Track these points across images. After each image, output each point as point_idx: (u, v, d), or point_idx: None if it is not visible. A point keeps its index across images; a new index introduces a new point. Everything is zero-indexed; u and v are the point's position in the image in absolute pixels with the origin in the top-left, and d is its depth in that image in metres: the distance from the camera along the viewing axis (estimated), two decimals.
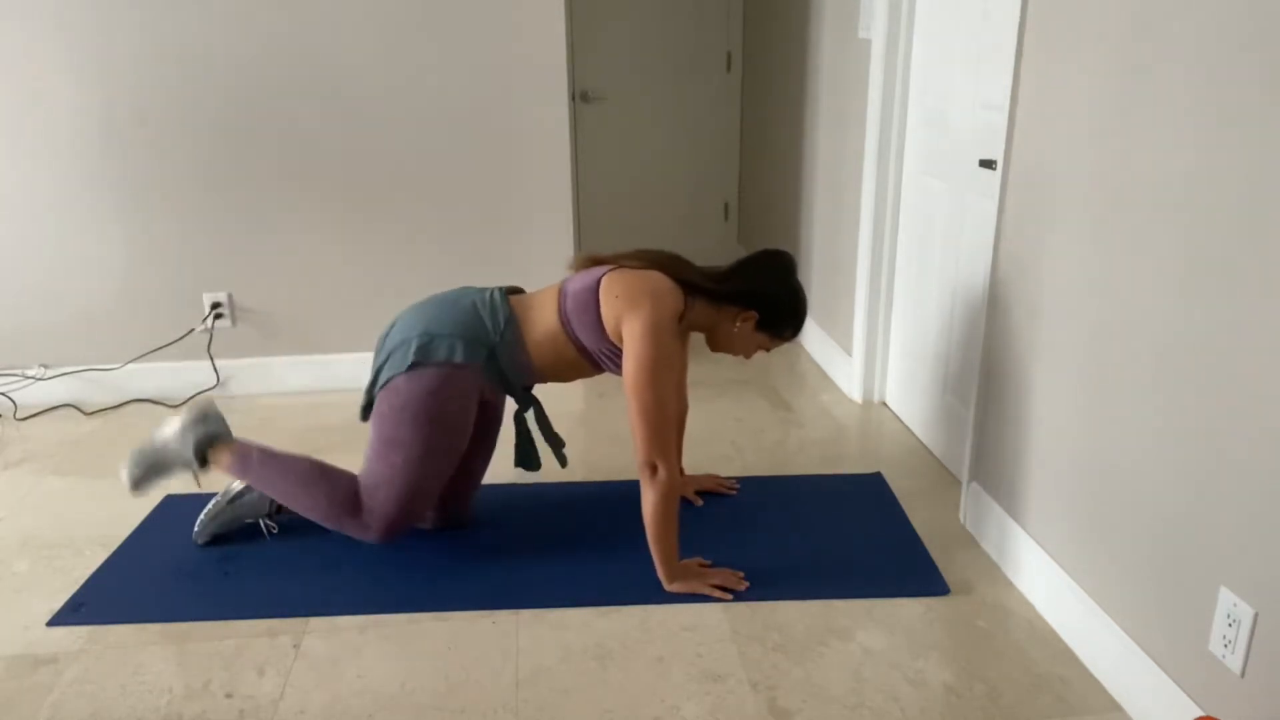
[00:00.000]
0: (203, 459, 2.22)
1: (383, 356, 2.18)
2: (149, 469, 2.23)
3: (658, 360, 2.04)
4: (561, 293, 2.19)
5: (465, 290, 2.25)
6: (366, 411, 2.21)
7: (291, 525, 2.40)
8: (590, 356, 2.19)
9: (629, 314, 2.07)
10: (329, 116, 3.16)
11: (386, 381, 2.12)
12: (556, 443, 2.38)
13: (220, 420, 2.29)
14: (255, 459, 2.23)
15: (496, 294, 2.21)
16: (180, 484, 2.70)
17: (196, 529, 2.33)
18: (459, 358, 2.12)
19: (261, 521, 2.36)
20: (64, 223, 3.18)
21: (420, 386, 2.10)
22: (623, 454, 2.86)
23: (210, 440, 2.23)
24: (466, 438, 2.21)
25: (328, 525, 2.21)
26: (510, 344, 2.17)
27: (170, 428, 2.25)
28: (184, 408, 2.32)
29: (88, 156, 3.12)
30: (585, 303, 2.13)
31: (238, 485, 2.34)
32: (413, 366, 2.10)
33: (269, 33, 3.06)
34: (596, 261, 2.25)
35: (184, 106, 3.10)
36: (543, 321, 2.18)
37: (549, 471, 2.73)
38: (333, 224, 3.28)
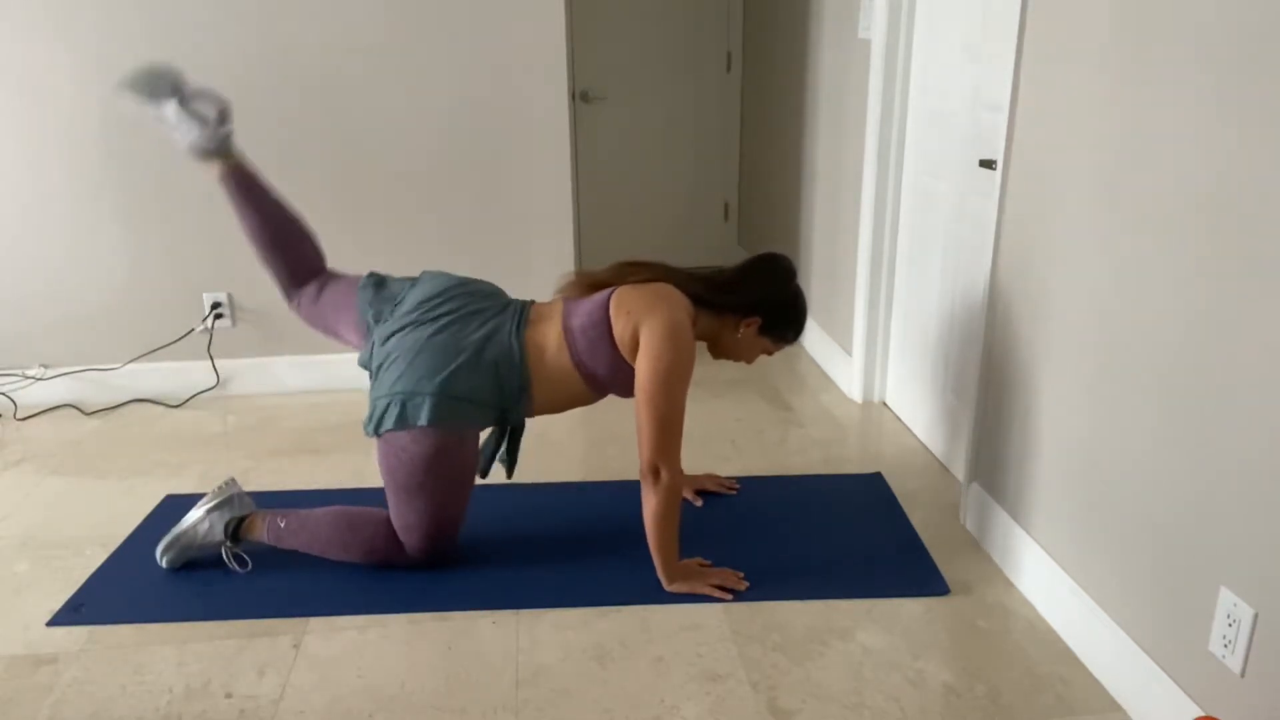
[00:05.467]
0: (234, 537, 2.20)
1: (394, 380, 2.07)
2: (179, 555, 2.21)
3: (674, 364, 2.03)
4: (567, 330, 2.12)
5: (484, 320, 2.14)
6: (373, 426, 2.11)
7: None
8: (604, 387, 2.16)
9: (646, 320, 2.05)
10: (328, 116, 3.16)
11: (397, 427, 2.05)
12: (512, 461, 2.30)
13: (246, 502, 2.26)
14: (285, 528, 2.21)
15: (517, 347, 2.11)
16: (179, 484, 2.70)
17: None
18: (474, 425, 2.12)
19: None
20: (64, 223, 3.18)
21: (433, 446, 2.05)
22: (622, 454, 2.86)
23: (238, 521, 2.21)
24: (476, 468, 2.20)
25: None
26: (523, 404, 2.17)
27: (197, 512, 2.21)
28: (210, 493, 2.25)
29: (88, 156, 3.11)
30: (597, 336, 2.09)
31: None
32: (427, 424, 2.05)
33: (269, 33, 3.06)
34: (592, 282, 2.22)
35: None
36: (554, 366, 2.12)
37: (549, 472, 2.73)
38: (332, 224, 3.26)
